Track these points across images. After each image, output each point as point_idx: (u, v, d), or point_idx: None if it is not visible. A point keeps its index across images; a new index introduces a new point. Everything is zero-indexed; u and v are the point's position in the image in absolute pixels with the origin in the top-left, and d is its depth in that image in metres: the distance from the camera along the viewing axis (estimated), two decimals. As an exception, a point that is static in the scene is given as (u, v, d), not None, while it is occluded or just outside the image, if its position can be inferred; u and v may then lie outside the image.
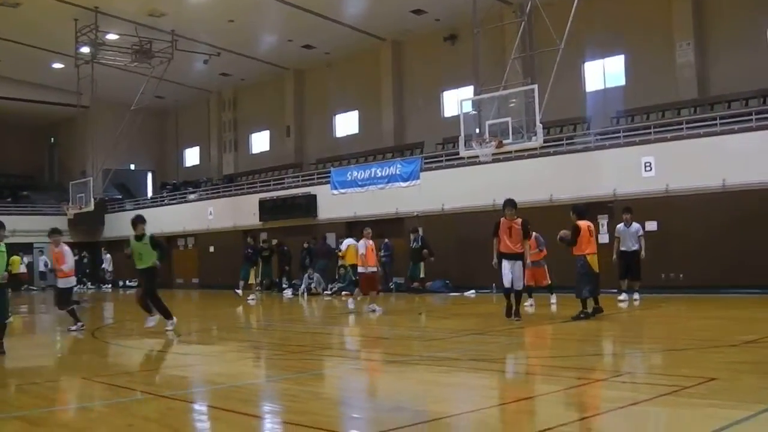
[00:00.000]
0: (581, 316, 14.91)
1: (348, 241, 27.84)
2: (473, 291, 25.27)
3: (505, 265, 15.00)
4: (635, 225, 18.75)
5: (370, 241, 19.72)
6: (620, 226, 18.93)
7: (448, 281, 26.96)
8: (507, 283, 15.01)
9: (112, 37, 35.13)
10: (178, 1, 32.35)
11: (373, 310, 18.84)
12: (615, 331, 14.38)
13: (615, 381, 8.69)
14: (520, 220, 15.10)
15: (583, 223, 15.42)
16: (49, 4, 32.05)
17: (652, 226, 22.58)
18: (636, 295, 18.86)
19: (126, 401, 8.41)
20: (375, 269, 19.89)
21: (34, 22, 34.25)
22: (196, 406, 8.19)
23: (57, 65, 40.45)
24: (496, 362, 10.26)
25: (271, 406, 8.19)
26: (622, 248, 18.67)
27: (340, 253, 28.25)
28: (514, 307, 15.14)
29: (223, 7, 32.91)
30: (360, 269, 19.66)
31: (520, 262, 15.09)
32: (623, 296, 18.87)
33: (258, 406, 8.21)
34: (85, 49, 35.05)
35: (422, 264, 27.37)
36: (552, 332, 13.42)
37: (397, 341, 13.58)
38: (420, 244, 27.20)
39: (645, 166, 23.62)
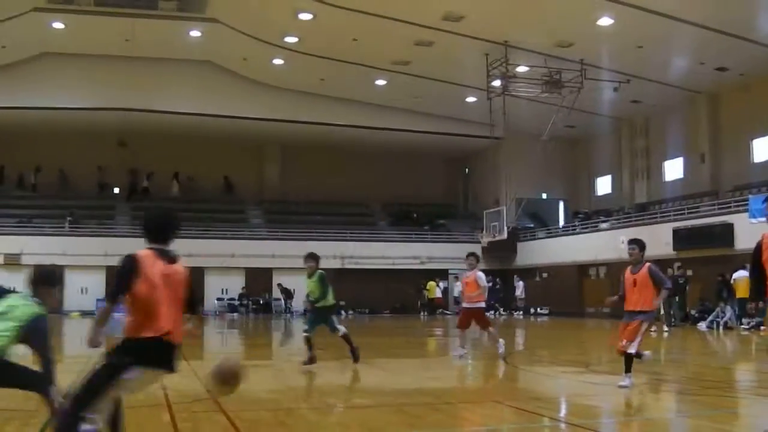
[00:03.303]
0: None
1: None
2: None
3: None
4: None
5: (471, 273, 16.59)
6: None
7: None
8: None
9: (521, 69, 35.93)
10: (585, 30, 32.38)
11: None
12: None
13: None
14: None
15: None
16: (460, 41, 33.55)
17: None
18: None
19: (535, 426, 8.49)
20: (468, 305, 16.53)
21: (447, 60, 36.05)
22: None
23: (470, 99, 42.03)
24: None
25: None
26: None
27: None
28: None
29: (632, 34, 32.39)
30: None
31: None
32: None
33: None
34: (497, 83, 36.14)
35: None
36: None
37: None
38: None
39: None
